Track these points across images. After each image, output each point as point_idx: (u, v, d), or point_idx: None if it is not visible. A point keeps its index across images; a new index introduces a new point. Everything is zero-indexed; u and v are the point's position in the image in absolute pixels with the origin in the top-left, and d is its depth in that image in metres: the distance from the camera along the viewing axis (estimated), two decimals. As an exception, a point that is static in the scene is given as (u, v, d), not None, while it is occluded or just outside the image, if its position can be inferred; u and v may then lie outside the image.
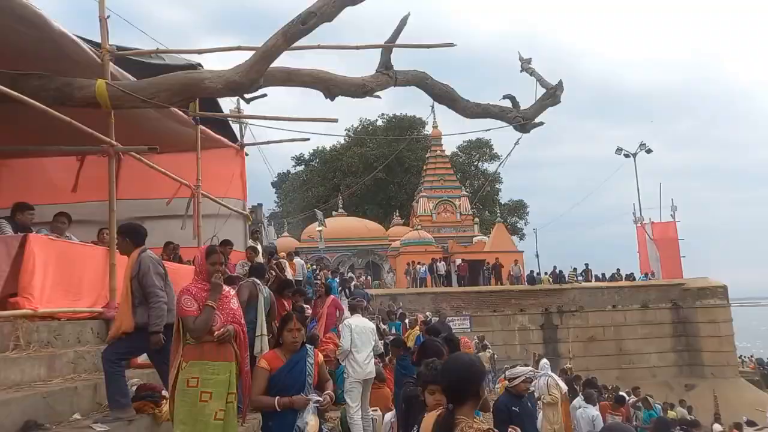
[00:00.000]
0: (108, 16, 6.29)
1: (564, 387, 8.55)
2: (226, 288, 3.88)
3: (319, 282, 13.86)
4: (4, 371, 4.02)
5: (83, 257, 5.90)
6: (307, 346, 3.88)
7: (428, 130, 43.54)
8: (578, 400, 8.97)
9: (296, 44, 6.05)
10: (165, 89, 5.91)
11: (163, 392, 4.34)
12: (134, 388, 4.55)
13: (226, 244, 8.02)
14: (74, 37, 5.62)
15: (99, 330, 5.70)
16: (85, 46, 5.79)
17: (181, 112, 7.77)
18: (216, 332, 3.61)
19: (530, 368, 6.48)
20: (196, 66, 7.29)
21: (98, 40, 6.24)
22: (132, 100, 5.85)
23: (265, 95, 6.59)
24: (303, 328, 3.92)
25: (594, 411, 8.65)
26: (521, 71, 8.85)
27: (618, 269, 30.25)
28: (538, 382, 8.10)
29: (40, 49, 5.44)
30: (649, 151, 35.17)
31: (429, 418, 2.49)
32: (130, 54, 6.95)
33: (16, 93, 4.87)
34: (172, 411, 3.69)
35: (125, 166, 7.09)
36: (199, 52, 7.39)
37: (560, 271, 28.67)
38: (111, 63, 6.15)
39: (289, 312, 4.55)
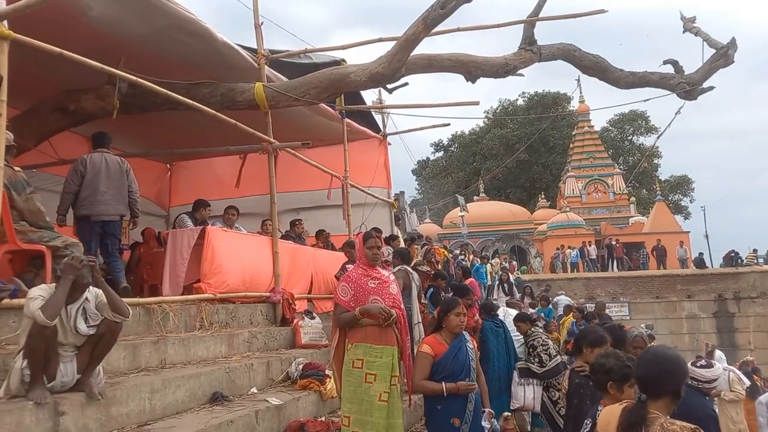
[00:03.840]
0: (261, 23, 6.78)
1: (747, 382, 7.58)
2: (384, 273, 4.00)
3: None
4: (193, 348, 4.56)
5: (251, 246, 6.48)
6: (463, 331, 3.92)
7: (574, 105, 41.13)
8: (767, 398, 7.88)
9: (435, 29, 6.02)
10: (314, 87, 6.24)
11: (327, 371, 4.61)
12: (300, 366, 4.92)
13: (377, 231, 8.29)
14: (235, 46, 6.15)
15: (267, 312, 6.23)
16: (244, 53, 6.32)
17: (328, 107, 8.16)
18: (382, 319, 3.71)
19: (723, 365, 5.44)
20: (340, 62, 7.60)
21: (243, 39, 6.77)
22: (286, 99, 6.27)
23: (406, 84, 6.67)
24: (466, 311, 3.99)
25: (786, 412, 7.54)
26: (684, 32, 7.98)
27: (810, 249, 26.26)
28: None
29: (207, 59, 6.04)
30: None
31: (610, 412, 2.27)
32: (282, 56, 7.43)
33: (190, 101, 5.47)
34: (338, 388, 3.91)
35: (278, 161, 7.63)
36: (343, 47, 7.68)
37: (736, 253, 25.50)
38: (266, 66, 6.64)
39: (455, 297, 4.66)
